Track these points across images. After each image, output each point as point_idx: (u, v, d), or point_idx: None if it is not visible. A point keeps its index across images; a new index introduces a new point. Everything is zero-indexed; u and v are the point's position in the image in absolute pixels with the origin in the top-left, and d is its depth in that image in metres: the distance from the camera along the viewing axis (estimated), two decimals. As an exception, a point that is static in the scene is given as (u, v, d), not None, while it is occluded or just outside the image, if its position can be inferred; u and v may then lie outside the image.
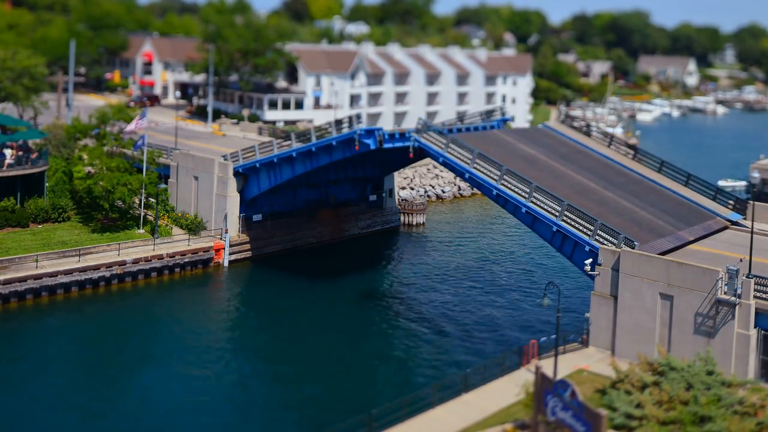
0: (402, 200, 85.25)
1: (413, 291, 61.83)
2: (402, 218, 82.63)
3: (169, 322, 53.76)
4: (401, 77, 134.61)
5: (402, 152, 60.83)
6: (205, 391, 43.74)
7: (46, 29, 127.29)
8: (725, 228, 53.80)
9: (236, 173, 67.95)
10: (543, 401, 31.27)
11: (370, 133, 61.09)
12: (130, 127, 68.82)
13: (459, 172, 55.51)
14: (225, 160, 68.63)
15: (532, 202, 50.48)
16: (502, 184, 52.22)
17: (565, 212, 48.72)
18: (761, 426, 33.19)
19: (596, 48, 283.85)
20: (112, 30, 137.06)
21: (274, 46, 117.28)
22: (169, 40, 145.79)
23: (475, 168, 53.81)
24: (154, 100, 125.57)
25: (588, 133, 65.68)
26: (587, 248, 46.67)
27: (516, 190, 51.67)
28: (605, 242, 45.97)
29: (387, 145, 60.60)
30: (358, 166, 75.34)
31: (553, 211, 49.32)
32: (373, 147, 60.64)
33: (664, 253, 46.01)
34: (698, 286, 40.87)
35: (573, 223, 48.38)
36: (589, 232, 47.12)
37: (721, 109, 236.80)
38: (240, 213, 68.32)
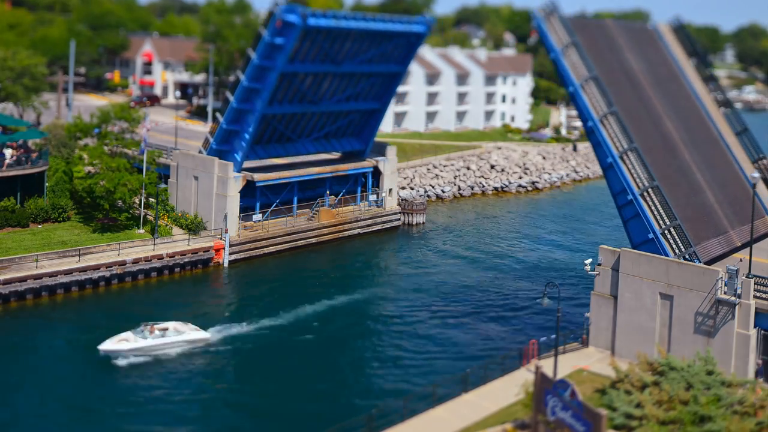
0: (402, 200, 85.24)
1: (412, 291, 61.81)
2: (402, 218, 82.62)
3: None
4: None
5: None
6: (204, 391, 43.78)
7: (46, 29, 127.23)
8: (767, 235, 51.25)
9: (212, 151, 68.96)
10: (543, 401, 31.29)
11: (292, 9, 57.89)
12: (143, 131, 69.26)
13: (563, 79, 51.53)
14: (200, 153, 69.17)
15: (622, 159, 47.49)
16: (602, 122, 48.91)
17: (650, 189, 46.04)
18: (761, 426, 33.22)
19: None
20: (112, 30, 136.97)
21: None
22: (169, 40, 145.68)
23: (583, 88, 50.18)
24: (154, 100, 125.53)
25: (691, 56, 60.72)
26: (650, 235, 45.04)
27: (613, 137, 48.12)
28: (672, 243, 44.30)
29: (312, 22, 57.09)
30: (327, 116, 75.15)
31: (639, 183, 46.51)
32: (297, 23, 57.65)
33: (710, 261, 44.80)
34: (698, 286, 40.91)
35: (650, 203, 45.76)
36: (663, 224, 45.02)
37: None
38: (240, 212, 68.50)
